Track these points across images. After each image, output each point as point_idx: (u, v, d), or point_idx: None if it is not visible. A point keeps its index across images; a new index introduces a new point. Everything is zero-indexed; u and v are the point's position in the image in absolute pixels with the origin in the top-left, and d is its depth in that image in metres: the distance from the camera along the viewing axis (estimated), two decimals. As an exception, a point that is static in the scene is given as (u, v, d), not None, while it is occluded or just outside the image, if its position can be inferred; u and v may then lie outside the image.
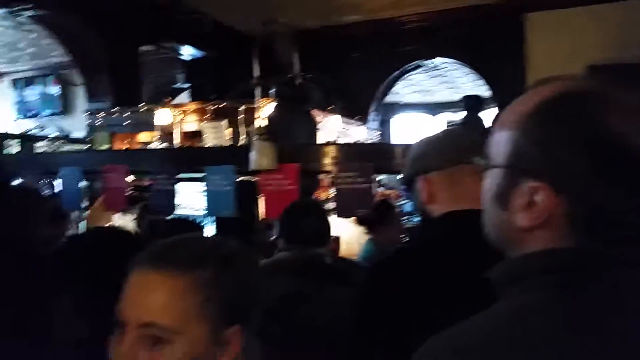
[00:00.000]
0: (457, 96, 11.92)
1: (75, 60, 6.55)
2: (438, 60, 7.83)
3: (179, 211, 4.64)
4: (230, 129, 5.58)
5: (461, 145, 1.23)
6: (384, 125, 11.27)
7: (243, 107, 5.40)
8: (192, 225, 2.54)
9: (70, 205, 2.99)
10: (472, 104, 2.83)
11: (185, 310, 0.77)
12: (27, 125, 10.25)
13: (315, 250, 1.90)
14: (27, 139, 7.54)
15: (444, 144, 1.26)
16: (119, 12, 6.20)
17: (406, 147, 2.66)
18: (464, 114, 12.28)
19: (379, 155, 2.53)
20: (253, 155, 2.44)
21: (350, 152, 2.57)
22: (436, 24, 7.34)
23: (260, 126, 2.39)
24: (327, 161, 2.51)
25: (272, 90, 2.55)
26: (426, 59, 7.73)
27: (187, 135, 6.22)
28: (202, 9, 7.24)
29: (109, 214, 3.59)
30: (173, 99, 8.77)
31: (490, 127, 2.73)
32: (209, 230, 3.81)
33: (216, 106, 5.60)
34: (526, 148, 0.62)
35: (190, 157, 3.00)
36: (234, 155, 2.77)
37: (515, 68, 6.22)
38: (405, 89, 10.80)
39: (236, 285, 0.82)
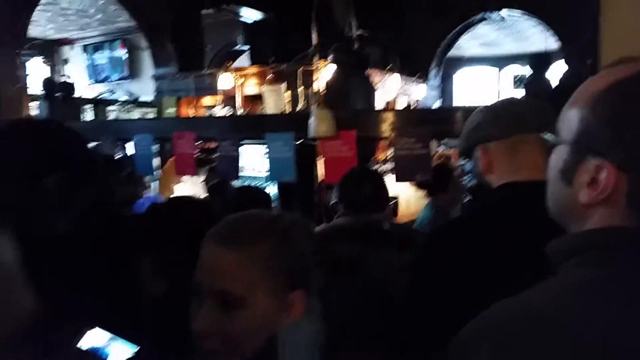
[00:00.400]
0: (524, 48, 11.29)
1: (140, 25, 6.77)
2: (504, 12, 7.41)
3: (243, 173, 4.83)
4: (289, 92, 5.64)
5: (522, 115, 1.21)
6: (446, 81, 10.91)
7: (301, 69, 5.43)
8: (258, 192, 2.62)
9: (143, 170, 3.20)
10: (539, 63, 2.71)
11: (250, 279, 0.87)
12: (98, 89, 10.83)
13: (373, 216, 1.96)
14: (99, 103, 8.00)
15: (503, 113, 1.24)
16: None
17: (465, 111, 2.62)
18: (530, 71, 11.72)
19: (437, 120, 2.51)
20: (312, 123, 2.50)
21: (408, 118, 2.57)
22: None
23: (319, 93, 2.43)
24: (385, 127, 2.53)
25: (330, 57, 2.56)
26: (492, 11, 7.34)
27: (248, 98, 6.36)
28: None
29: (179, 177, 3.82)
30: (233, 61, 8.94)
31: (556, 86, 2.60)
32: (271, 190, 3.98)
33: (275, 69, 5.65)
34: (595, 126, 0.63)
35: (252, 124, 3.11)
36: (294, 122, 2.84)
37: (587, 20, 5.79)
38: (469, 43, 10.35)
39: (294, 255, 0.91)
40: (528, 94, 2.58)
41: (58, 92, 3.88)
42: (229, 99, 6.23)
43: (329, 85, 2.59)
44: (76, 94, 7.86)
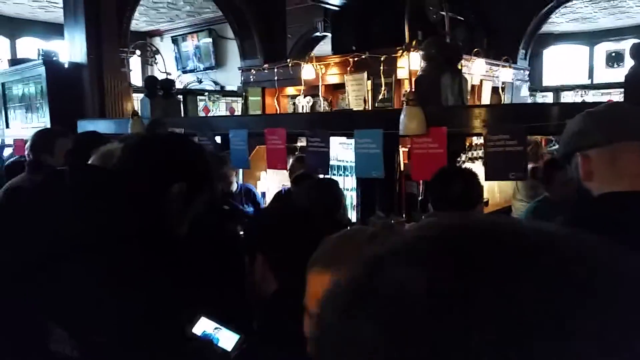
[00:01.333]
0: (621, 22, 10.42)
1: (226, 15, 7.03)
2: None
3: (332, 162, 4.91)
4: (370, 81, 5.65)
5: (623, 121, 1.18)
6: (535, 58, 10.33)
7: (383, 57, 5.41)
8: (332, 186, 2.62)
9: (239, 163, 3.40)
10: (643, 52, 2.54)
11: None
12: (186, 78, 11.41)
13: (463, 214, 1.96)
14: (188, 93, 8.45)
15: (604, 119, 1.20)
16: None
17: (562, 108, 2.53)
18: (627, 43, 10.77)
19: (532, 116, 2.44)
20: (403, 121, 2.53)
21: (501, 114, 2.52)
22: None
23: (409, 91, 2.45)
24: (477, 123, 2.50)
25: (421, 52, 2.56)
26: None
27: (329, 87, 6.44)
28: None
29: (264, 166, 3.99)
30: (313, 49, 9.04)
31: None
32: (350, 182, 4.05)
33: (357, 58, 5.67)
34: None
35: (341, 121, 3.18)
36: (383, 118, 2.88)
37: None
38: (560, 18, 9.71)
39: None
40: (629, 89, 2.43)
41: (159, 88, 4.17)
42: (311, 88, 6.35)
43: (419, 81, 2.59)
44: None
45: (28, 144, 2.87)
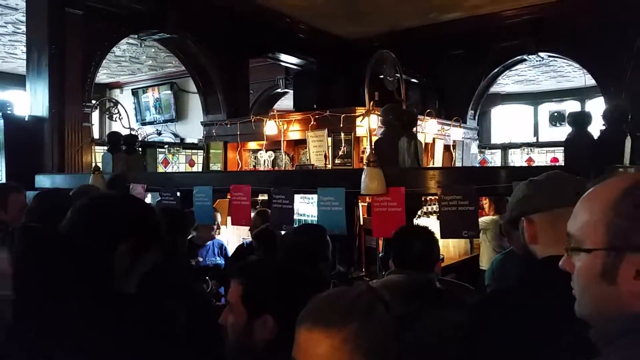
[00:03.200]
0: (562, 85, 11.30)
1: (192, 77, 7.19)
2: (542, 54, 7.53)
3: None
4: (331, 137, 5.87)
5: (562, 188, 1.31)
6: (483, 117, 10.98)
7: (343, 116, 5.66)
8: (317, 229, 2.68)
9: (202, 219, 3.43)
10: (578, 120, 2.82)
11: (341, 358, 1.01)
12: (146, 130, 11.40)
13: (425, 274, 2.07)
14: (148, 146, 8.44)
15: (548, 186, 1.34)
16: (228, 32, 6.75)
17: (511, 171, 2.75)
18: (568, 104, 11.58)
19: (483, 178, 2.63)
20: (364, 180, 2.67)
21: (455, 176, 2.71)
22: (541, 17, 7.08)
23: (369, 153, 2.61)
24: (432, 184, 2.68)
25: (380, 118, 2.75)
26: (529, 54, 7.47)
27: (290, 142, 6.63)
28: (302, 19, 7.62)
29: (224, 219, 4.04)
30: (275, 103, 9.29)
31: (596, 142, 2.69)
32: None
33: (318, 116, 5.90)
34: (624, 226, 0.75)
35: (305, 179, 3.30)
36: (345, 178, 3.02)
37: (624, 63, 5.91)
38: (507, 79, 10.45)
39: (378, 334, 1.06)
40: (568, 152, 2.69)
41: (122, 143, 4.19)
42: (273, 143, 6.51)
43: (378, 144, 2.77)
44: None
45: None
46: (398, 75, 3.01)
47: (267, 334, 1.40)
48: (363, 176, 2.69)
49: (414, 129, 2.99)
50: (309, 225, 3.17)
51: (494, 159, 9.88)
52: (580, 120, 2.84)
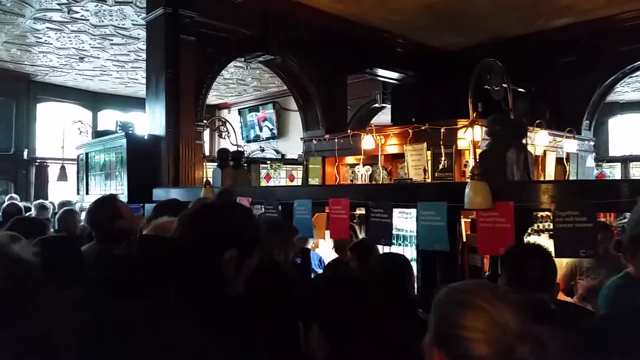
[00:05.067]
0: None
1: (293, 95, 7.45)
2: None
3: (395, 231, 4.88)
4: (430, 151, 5.72)
5: None
6: (600, 128, 10.11)
7: (443, 129, 5.50)
8: (401, 260, 2.62)
9: (303, 231, 3.49)
10: None
11: None
12: (251, 147, 11.98)
13: (539, 295, 1.91)
14: (253, 162, 8.83)
15: None
16: (328, 50, 6.91)
17: (633, 184, 2.48)
18: None
19: (601, 192, 2.40)
20: (468, 194, 2.55)
21: (570, 190, 2.50)
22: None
23: (474, 166, 2.50)
24: (545, 199, 2.49)
25: (486, 129, 2.63)
26: (652, 57, 6.77)
27: (388, 157, 6.57)
28: (400, 32, 7.59)
29: (321, 233, 4.08)
30: (372, 118, 9.30)
31: None
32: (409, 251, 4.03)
33: (417, 129, 5.80)
34: None
35: (403, 192, 3.24)
36: (445, 191, 2.92)
37: None
38: (625, 87, 9.56)
39: None
40: None
41: (229, 159, 4.42)
42: (370, 158, 6.49)
43: (483, 156, 2.64)
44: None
45: (89, 214, 2.74)
46: (505, 85, 2.87)
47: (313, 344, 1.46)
48: (467, 190, 2.57)
49: (524, 140, 2.81)
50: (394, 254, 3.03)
51: (613, 172, 8.98)
52: None
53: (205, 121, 5.73)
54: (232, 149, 4.70)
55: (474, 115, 2.64)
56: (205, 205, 1.55)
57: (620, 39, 6.85)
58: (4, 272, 1.03)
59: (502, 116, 2.66)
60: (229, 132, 4.68)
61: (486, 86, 2.79)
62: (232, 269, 1.35)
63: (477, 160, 2.60)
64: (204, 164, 4.41)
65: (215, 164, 4.53)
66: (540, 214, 4.19)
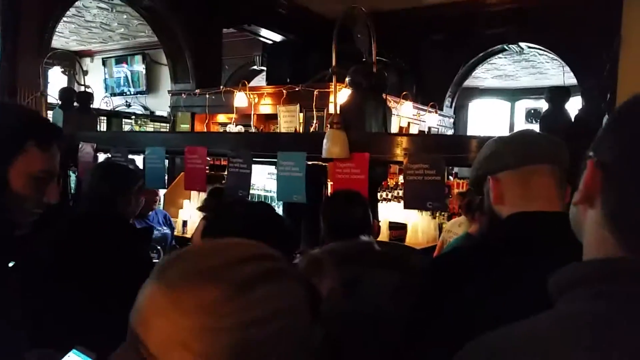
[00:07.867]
0: (540, 82, 11.30)
1: (161, 42, 6.89)
2: (523, 45, 7.43)
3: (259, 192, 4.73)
4: (302, 113, 5.67)
5: (534, 146, 1.21)
6: (461, 110, 10.92)
7: (316, 91, 5.46)
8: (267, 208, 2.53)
9: (153, 183, 3.19)
10: (557, 96, 2.69)
11: None
12: (115, 101, 10.98)
13: (362, 239, 1.89)
14: (114, 115, 8.08)
15: (515, 144, 1.24)
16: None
17: (481, 140, 2.59)
18: (544, 102, 11.67)
19: (452, 147, 2.47)
20: (326, 144, 2.48)
21: (422, 143, 2.54)
22: (524, 7, 6.96)
23: (334, 114, 2.42)
24: (399, 151, 2.50)
25: (348, 79, 2.56)
26: (510, 43, 7.36)
27: (261, 117, 6.40)
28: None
29: (187, 192, 3.82)
30: (249, 81, 9.02)
31: (573, 122, 2.57)
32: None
33: (291, 90, 5.69)
34: (600, 133, 0.64)
35: (264, 142, 3.09)
36: (307, 141, 2.82)
37: (605, 60, 5.81)
38: (486, 73, 10.38)
39: None
40: (544, 128, 2.55)
41: (75, 101, 3.90)
42: (243, 117, 6.27)
43: (343, 107, 2.57)
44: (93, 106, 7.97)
45: None
46: (369, 34, 2.82)
47: None
48: (325, 139, 2.50)
49: (384, 95, 2.80)
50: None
51: (469, 150, 9.81)
52: (557, 95, 2.71)
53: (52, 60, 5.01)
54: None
55: (335, 66, 2.55)
56: None
57: (485, 23, 7.32)
58: None
59: (364, 67, 2.61)
60: (75, 71, 4.12)
61: (352, 34, 2.71)
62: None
63: (338, 110, 2.53)
64: (43, 103, 3.83)
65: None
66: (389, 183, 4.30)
